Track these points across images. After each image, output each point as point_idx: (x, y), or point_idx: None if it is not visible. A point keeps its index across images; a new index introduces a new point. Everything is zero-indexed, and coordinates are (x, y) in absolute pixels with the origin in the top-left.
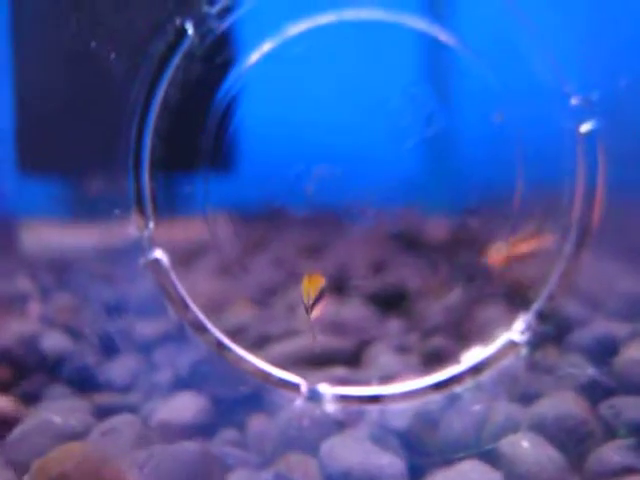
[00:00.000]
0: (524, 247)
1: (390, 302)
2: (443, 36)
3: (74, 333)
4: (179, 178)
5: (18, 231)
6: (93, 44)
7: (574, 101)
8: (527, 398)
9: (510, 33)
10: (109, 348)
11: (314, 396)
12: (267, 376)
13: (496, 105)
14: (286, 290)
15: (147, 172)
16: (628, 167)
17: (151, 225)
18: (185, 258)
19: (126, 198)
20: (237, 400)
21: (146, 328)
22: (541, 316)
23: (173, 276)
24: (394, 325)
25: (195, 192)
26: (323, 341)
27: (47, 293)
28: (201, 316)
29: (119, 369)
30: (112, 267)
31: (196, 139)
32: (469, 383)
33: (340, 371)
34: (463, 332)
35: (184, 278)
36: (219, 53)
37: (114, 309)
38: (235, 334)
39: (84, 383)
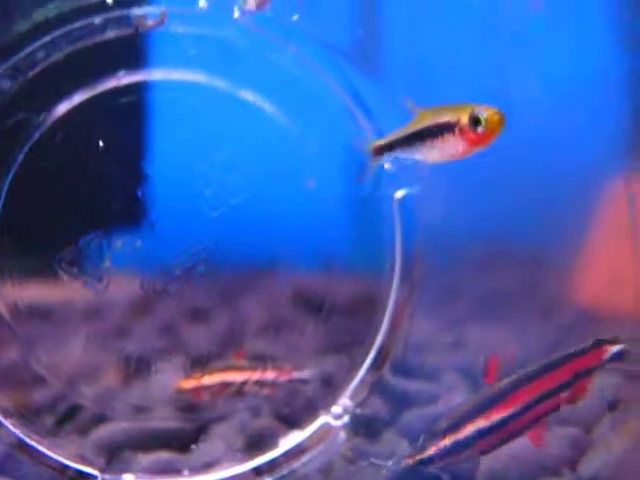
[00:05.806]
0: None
1: None
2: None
3: None
4: None
5: None
6: None
7: (387, 166)
8: None
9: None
10: None
11: None
12: (63, 469)
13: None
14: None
15: None
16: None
17: None
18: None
19: None
20: None
21: None
22: (357, 397)
23: None
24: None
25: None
26: (162, 422)
27: None
28: None
29: None
30: None
31: None
32: (285, 470)
33: (167, 457)
34: (289, 411)
35: None
36: (10, 115)
37: None
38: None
39: None
